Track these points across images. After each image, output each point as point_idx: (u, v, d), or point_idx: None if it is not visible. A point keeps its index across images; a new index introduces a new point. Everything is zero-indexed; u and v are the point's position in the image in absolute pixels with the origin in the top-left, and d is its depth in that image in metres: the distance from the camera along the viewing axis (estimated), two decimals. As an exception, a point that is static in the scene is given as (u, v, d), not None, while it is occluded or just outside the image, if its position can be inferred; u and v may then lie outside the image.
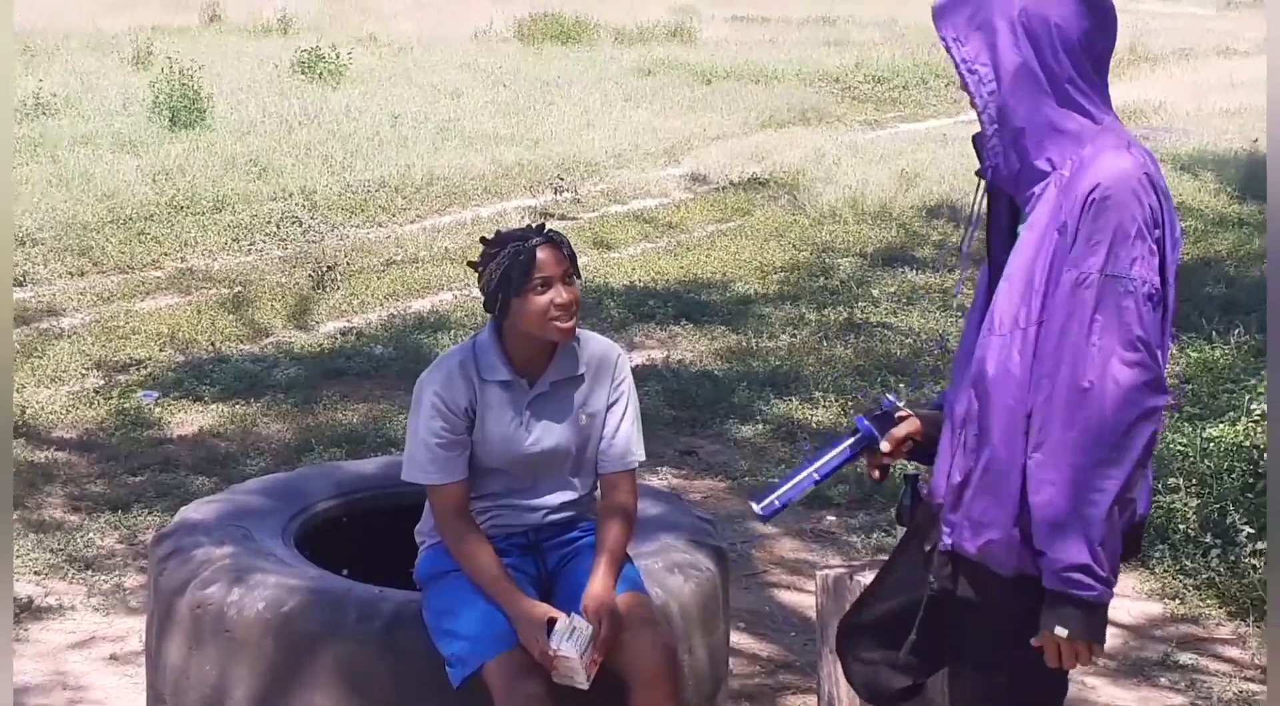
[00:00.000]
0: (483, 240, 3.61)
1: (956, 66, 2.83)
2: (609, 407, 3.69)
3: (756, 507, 3.18)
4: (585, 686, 3.33)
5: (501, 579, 3.47)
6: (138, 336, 8.28)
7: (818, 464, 3.15)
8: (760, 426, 7.25)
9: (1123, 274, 2.67)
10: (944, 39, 2.85)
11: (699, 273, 10.42)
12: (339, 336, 8.56)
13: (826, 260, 10.95)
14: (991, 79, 2.77)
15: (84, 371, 7.72)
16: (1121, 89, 23.23)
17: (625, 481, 3.67)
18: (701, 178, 14.81)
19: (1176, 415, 6.70)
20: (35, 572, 5.36)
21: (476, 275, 3.58)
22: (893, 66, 25.94)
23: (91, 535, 5.69)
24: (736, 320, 9.18)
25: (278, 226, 11.26)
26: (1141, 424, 2.68)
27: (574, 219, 12.46)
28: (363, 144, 15.02)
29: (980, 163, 2.88)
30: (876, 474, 3.18)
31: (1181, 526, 5.62)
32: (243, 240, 10.92)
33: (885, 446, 3.12)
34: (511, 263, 3.48)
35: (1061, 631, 2.74)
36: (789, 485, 3.16)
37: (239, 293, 9.39)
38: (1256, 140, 16.10)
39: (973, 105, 2.84)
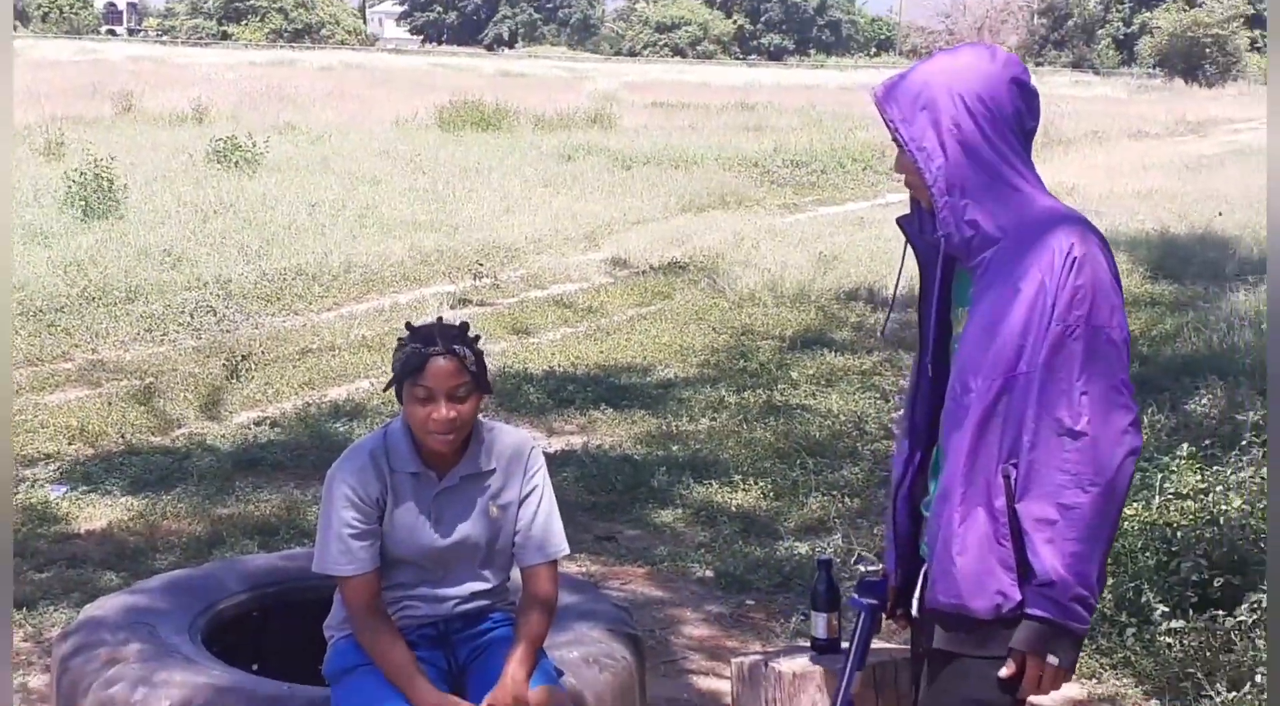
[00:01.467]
0: (407, 326, 3.58)
1: (904, 146, 3.00)
2: (523, 500, 3.64)
3: None
4: None
5: (410, 670, 3.42)
6: (46, 430, 8.14)
7: (851, 659, 3.33)
8: (680, 510, 7.21)
9: (1104, 323, 2.89)
10: (890, 121, 3.01)
11: (619, 357, 10.42)
12: (253, 427, 8.46)
13: (746, 343, 10.98)
14: (939, 154, 2.96)
15: (-10, 466, 7.56)
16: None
17: (545, 573, 3.63)
18: (622, 262, 14.87)
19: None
20: (-65, 675, 5.20)
21: None
22: (810, 151, 26.29)
23: (-5, 634, 5.53)
24: (656, 404, 9.16)
25: (191, 316, 11.16)
26: (1129, 460, 2.89)
27: (493, 304, 12.45)
28: (279, 232, 14.97)
29: (909, 242, 3.13)
30: (905, 622, 3.32)
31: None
32: (155, 331, 10.80)
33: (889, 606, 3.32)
34: (404, 363, 3.46)
35: (1053, 659, 2.92)
36: (844, 686, 3.32)
37: (150, 384, 9.27)
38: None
39: (910, 183, 3.06)
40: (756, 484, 7.50)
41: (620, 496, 7.37)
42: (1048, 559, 2.87)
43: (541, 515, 3.65)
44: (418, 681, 3.41)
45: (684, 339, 11.08)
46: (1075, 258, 2.87)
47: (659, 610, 6.04)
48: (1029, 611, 2.91)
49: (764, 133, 29.68)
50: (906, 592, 3.24)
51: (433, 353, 3.44)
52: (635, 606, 5.67)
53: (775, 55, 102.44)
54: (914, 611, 3.20)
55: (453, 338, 3.50)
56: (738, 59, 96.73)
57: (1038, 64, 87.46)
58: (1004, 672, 2.93)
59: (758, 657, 3.86)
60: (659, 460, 7.93)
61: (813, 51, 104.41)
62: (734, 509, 7.21)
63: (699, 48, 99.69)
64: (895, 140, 3.04)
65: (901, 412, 3.28)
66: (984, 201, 2.95)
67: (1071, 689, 5.35)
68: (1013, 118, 2.97)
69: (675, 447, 8.19)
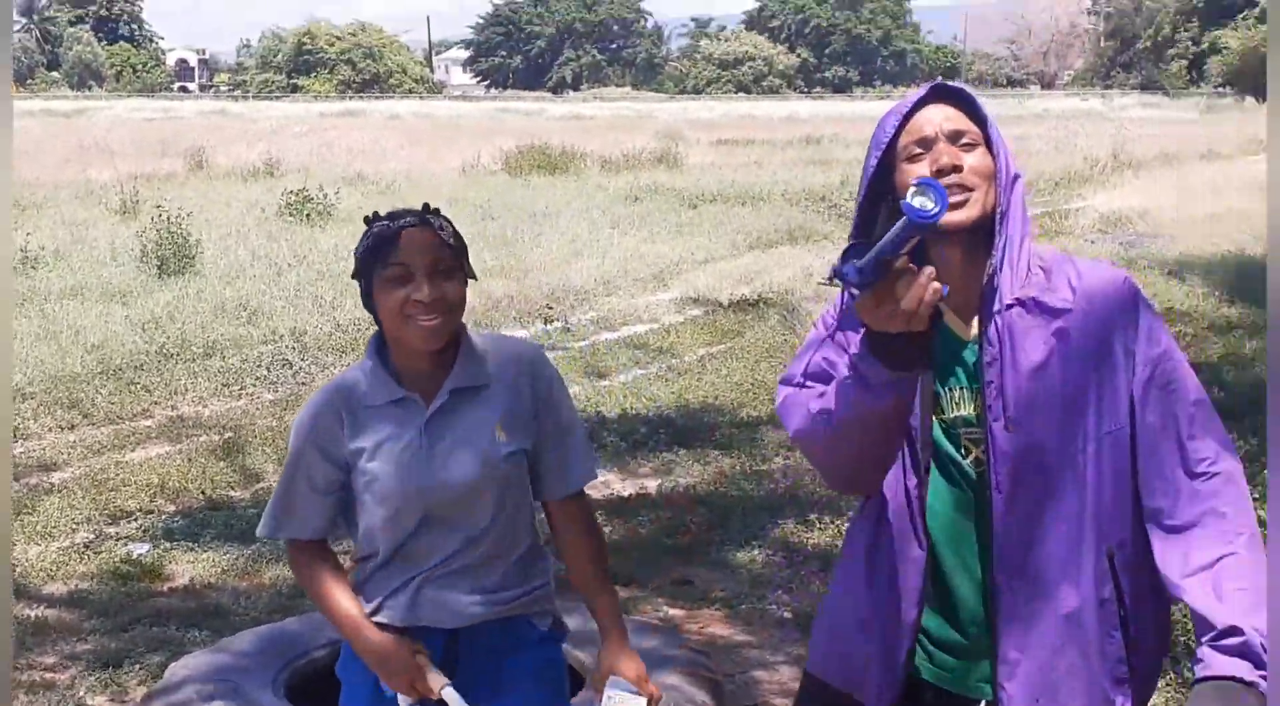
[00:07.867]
0: (365, 220, 3.05)
1: (990, 145, 2.64)
2: (534, 418, 3.07)
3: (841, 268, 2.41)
4: None
5: (356, 617, 3.13)
6: (128, 488, 8.23)
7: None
8: (757, 552, 7.19)
9: (1180, 355, 2.64)
10: (985, 118, 2.66)
11: (692, 397, 10.42)
12: (331, 478, 8.51)
13: (818, 380, 10.93)
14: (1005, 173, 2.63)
15: (75, 526, 7.67)
16: (1105, 197, 23.47)
17: (576, 507, 3.15)
18: (692, 301, 14.89)
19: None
20: (25, 735, 5.27)
21: None
22: (877, 183, 26.16)
23: (82, 694, 5.59)
24: (731, 444, 9.15)
25: (268, 370, 11.28)
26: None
27: (565, 348, 12.48)
28: (351, 283, 14.97)
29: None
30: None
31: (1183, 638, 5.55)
32: (233, 385, 10.92)
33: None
34: (372, 244, 2.96)
35: None
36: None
37: (230, 439, 9.36)
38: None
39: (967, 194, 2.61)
40: (833, 522, 7.46)
41: (696, 539, 7.36)
42: (1221, 606, 2.40)
43: (569, 437, 3.12)
44: (359, 624, 3.11)
45: (756, 376, 11.06)
46: (1136, 289, 2.59)
47: (738, 653, 6.02)
48: (1207, 674, 2.38)
49: (830, 166, 29.66)
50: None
51: (405, 224, 2.94)
52: (714, 650, 5.65)
53: (840, 88, 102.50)
54: None
55: (426, 211, 3.01)
56: (802, 93, 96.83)
57: (1106, 87, 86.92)
58: None
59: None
60: (735, 501, 7.92)
61: (878, 83, 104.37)
62: (811, 548, 7.18)
63: (763, 83, 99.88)
64: (954, 137, 2.61)
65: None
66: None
67: (1160, 724, 5.28)
68: None
69: (750, 487, 8.18)
